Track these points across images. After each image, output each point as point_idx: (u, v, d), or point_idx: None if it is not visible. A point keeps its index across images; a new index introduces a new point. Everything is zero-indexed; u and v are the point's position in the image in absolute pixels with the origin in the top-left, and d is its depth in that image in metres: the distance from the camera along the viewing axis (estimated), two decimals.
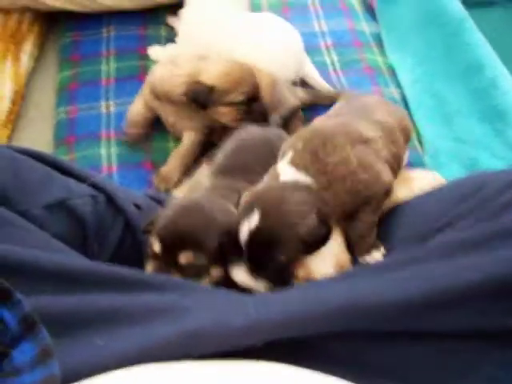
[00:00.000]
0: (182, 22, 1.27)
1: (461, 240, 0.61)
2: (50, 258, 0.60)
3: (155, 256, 0.74)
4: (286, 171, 0.76)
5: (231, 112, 1.03)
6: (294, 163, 0.75)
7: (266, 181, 0.78)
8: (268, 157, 0.86)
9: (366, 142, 0.79)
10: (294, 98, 1.17)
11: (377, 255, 0.77)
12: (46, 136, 1.21)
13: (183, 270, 0.72)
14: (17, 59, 1.26)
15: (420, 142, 1.22)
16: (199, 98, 1.01)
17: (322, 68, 1.31)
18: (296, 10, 1.45)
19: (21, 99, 1.24)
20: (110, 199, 0.83)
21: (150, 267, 0.74)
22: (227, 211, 0.77)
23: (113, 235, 0.80)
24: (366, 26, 1.44)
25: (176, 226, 0.73)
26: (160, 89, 1.09)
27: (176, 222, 0.74)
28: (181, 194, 1.02)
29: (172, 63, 1.10)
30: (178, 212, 0.75)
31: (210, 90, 1.00)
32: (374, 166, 0.77)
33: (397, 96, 1.29)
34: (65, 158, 1.12)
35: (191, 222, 0.74)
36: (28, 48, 1.30)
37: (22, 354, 0.44)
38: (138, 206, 0.88)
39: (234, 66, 1.04)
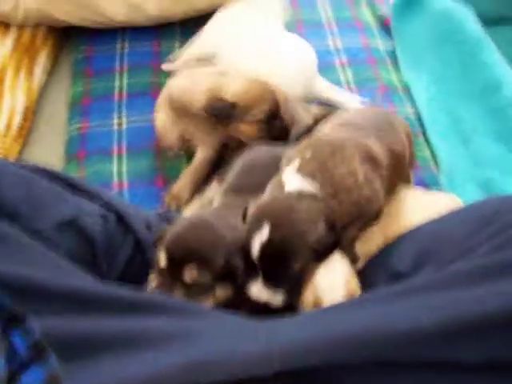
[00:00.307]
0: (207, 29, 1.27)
1: (477, 267, 0.59)
2: (58, 280, 0.59)
3: (160, 271, 0.73)
4: (291, 179, 0.75)
5: (252, 129, 1.02)
6: (301, 171, 0.75)
7: (270, 191, 0.77)
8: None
9: (372, 160, 0.79)
10: (308, 115, 1.16)
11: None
12: (57, 151, 1.20)
13: (187, 287, 0.71)
14: (30, 73, 1.26)
15: (435, 162, 1.20)
16: (221, 113, 1.00)
17: (337, 84, 1.29)
18: (311, 27, 1.44)
19: (32, 114, 1.24)
20: (121, 218, 0.83)
21: (153, 283, 0.73)
22: (236, 229, 0.76)
23: (122, 254, 0.80)
24: (380, 44, 1.42)
25: (183, 241, 0.73)
26: (178, 101, 1.08)
27: (183, 237, 0.73)
28: (191, 211, 1.01)
29: (191, 76, 1.09)
30: (186, 227, 0.74)
31: (233, 106, 1.00)
32: (375, 184, 0.78)
33: (412, 115, 1.27)
34: (75, 173, 1.12)
35: (198, 237, 0.73)
36: (41, 62, 1.30)
37: (31, 378, 0.44)
38: (148, 226, 0.87)
39: (255, 84, 1.03)
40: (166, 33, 1.39)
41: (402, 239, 0.81)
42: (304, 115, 1.14)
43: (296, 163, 0.76)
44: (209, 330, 0.59)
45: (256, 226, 0.71)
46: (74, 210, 0.75)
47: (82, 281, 0.65)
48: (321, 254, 0.72)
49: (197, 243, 0.72)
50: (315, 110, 1.20)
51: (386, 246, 0.82)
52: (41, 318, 0.53)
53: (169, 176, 1.12)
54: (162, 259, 0.72)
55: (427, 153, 1.21)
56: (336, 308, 0.66)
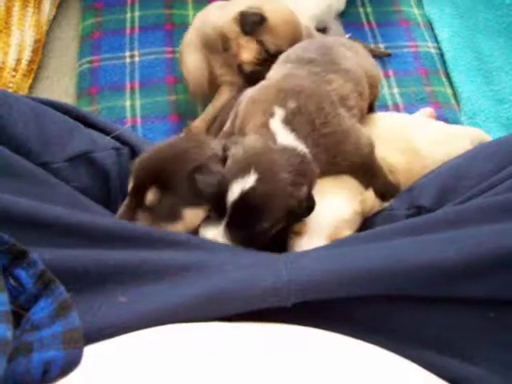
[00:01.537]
0: None
1: (497, 203, 0.58)
2: (72, 215, 0.58)
3: (128, 197, 0.71)
4: (283, 133, 0.72)
5: (253, 50, 0.96)
6: (291, 126, 0.72)
7: (260, 139, 0.73)
8: None
9: (344, 101, 0.78)
10: None
11: None
12: (68, 86, 1.18)
13: (151, 211, 0.69)
14: (38, 7, 1.21)
15: (457, 101, 1.16)
16: (247, 22, 0.94)
17: (356, 20, 1.25)
18: None
19: (42, 48, 1.20)
20: (135, 152, 0.81)
21: (120, 210, 0.71)
22: (210, 150, 0.72)
23: None
24: None
25: (146, 165, 0.70)
26: (212, 32, 1.00)
27: (147, 161, 0.71)
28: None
29: (225, 6, 1.02)
30: (152, 152, 0.72)
31: (261, 19, 0.94)
32: (354, 136, 0.77)
33: (433, 51, 1.22)
34: (87, 109, 1.09)
35: (160, 160, 0.70)
36: None
37: (40, 311, 0.43)
38: None
39: (294, 20, 0.97)
40: None
41: (426, 176, 0.79)
42: None
43: (280, 114, 0.73)
44: (228, 261, 0.58)
45: (241, 171, 0.67)
46: (86, 143, 0.74)
47: (97, 216, 0.65)
48: (293, 218, 0.71)
49: (158, 166, 0.69)
50: None
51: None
52: (52, 249, 0.52)
53: (183, 111, 1.10)
54: (130, 184, 0.71)
55: (449, 90, 1.17)
56: (358, 239, 0.65)
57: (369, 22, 1.26)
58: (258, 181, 0.66)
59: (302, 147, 0.71)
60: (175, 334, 0.48)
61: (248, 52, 0.96)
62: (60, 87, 1.18)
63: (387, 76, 1.18)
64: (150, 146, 0.86)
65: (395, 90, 1.16)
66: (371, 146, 0.79)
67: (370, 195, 0.77)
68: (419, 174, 0.80)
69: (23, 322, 0.42)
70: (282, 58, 0.86)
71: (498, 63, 1.16)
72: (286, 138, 0.71)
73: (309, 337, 0.50)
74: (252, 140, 0.72)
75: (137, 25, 1.22)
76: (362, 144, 0.78)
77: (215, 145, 0.73)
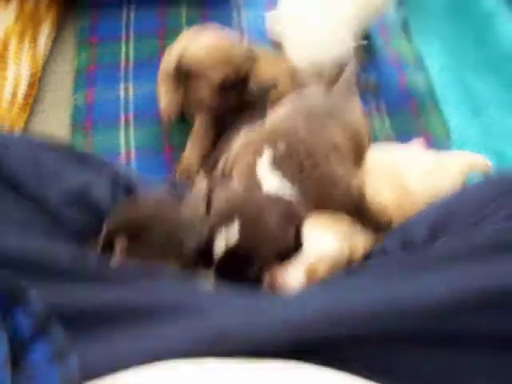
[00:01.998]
0: None
1: (490, 239, 0.58)
2: (69, 254, 0.59)
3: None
4: (269, 176, 0.72)
5: (205, 91, 0.97)
6: (278, 168, 0.72)
7: (245, 185, 0.74)
8: None
9: (337, 148, 0.79)
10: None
11: None
12: (63, 120, 1.18)
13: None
14: (34, 41, 1.23)
15: (447, 133, 1.17)
16: (181, 69, 0.96)
17: None
18: None
19: (38, 82, 1.22)
20: (130, 190, 0.81)
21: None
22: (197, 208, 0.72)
23: None
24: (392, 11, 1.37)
25: (118, 215, 0.70)
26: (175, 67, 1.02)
27: (119, 212, 0.70)
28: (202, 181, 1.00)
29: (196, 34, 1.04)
30: (129, 203, 0.72)
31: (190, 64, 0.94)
32: (343, 181, 0.78)
33: (423, 85, 1.24)
34: (82, 142, 1.10)
35: (132, 212, 0.70)
36: (46, 30, 1.27)
37: (38, 354, 0.43)
38: None
39: (226, 44, 0.98)
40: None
41: (418, 213, 0.78)
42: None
43: (269, 154, 0.73)
44: (219, 304, 0.58)
45: (225, 220, 0.67)
46: (81, 181, 0.74)
47: (92, 256, 0.65)
48: (283, 257, 0.70)
49: (129, 218, 0.69)
50: (327, 70, 1.17)
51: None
52: (46, 290, 0.52)
53: (177, 144, 1.11)
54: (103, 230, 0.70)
55: (439, 124, 1.19)
56: (351, 275, 0.65)
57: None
58: (243, 231, 0.66)
59: (288, 190, 0.71)
60: (174, 371, 0.48)
61: (200, 92, 0.98)
62: (56, 120, 1.19)
63: (380, 109, 1.20)
64: (146, 182, 0.88)
65: (387, 123, 1.18)
66: (361, 193, 0.79)
67: (361, 243, 0.77)
68: (410, 209, 0.80)
69: (21, 364, 0.42)
70: (284, 101, 0.87)
71: (486, 98, 1.18)
72: (272, 181, 0.71)
73: (303, 372, 0.50)
74: (236, 186, 0.73)
75: (131, 58, 1.24)
76: (352, 187, 0.78)
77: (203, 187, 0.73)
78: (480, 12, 1.26)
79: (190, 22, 1.30)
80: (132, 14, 1.32)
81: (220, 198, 0.71)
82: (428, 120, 1.18)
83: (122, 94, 1.18)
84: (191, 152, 1.04)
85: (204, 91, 0.97)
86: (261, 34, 1.30)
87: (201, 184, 0.93)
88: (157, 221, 0.67)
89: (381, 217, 0.81)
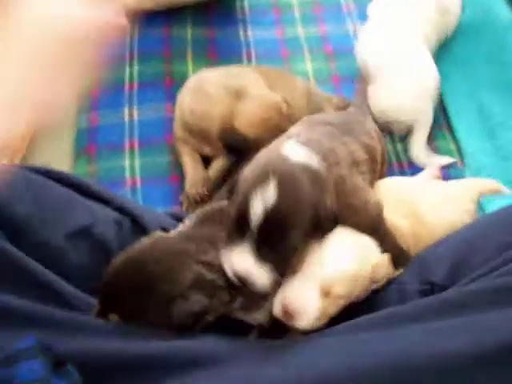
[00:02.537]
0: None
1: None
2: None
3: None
4: (295, 151, 0.68)
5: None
6: (304, 143, 0.69)
7: (272, 151, 0.70)
8: None
9: (356, 164, 0.76)
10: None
11: None
12: (66, 145, 1.15)
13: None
14: None
15: (461, 156, 1.15)
16: (236, 148, 0.90)
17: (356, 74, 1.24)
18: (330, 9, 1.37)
19: None
20: (136, 223, 0.79)
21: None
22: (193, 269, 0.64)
23: None
24: None
25: (110, 286, 0.63)
26: (193, 124, 0.99)
27: (111, 282, 0.64)
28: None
29: (202, 93, 0.98)
30: (118, 267, 0.64)
31: (244, 139, 0.88)
32: (363, 194, 0.75)
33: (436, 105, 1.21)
34: (85, 169, 1.07)
35: (125, 284, 0.63)
36: None
37: None
38: (164, 229, 0.83)
39: (272, 110, 0.91)
40: (177, 18, 1.32)
41: (437, 246, 0.76)
42: None
43: (294, 140, 0.71)
44: (234, 356, 0.57)
45: (259, 181, 0.62)
46: (85, 217, 0.72)
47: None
48: (322, 227, 0.66)
49: (119, 295, 0.62)
50: (335, 100, 1.15)
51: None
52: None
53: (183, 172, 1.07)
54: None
55: (452, 146, 1.16)
56: (369, 323, 0.63)
57: None
58: (280, 189, 0.61)
59: (315, 163, 0.67)
60: None
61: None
62: (58, 146, 1.15)
63: (390, 132, 1.17)
64: (152, 215, 0.85)
65: (399, 147, 1.15)
66: (380, 210, 0.76)
67: (384, 262, 0.74)
68: (426, 239, 0.79)
69: None
70: (301, 121, 0.85)
71: (500, 118, 1.15)
72: (300, 154, 0.67)
73: None
74: (264, 153, 0.69)
75: (136, 80, 1.20)
76: (371, 204, 0.75)
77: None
78: (494, 28, 1.22)
79: (196, 43, 1.27)
80: (136, 33, 1.28)
81: (248, 167, 0.66)
82: (441, 145, 1.15)
83: (126, 118, 1.14)
84: (197, 186, 1.00)
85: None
86: (268, 54, 1.28)
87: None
88: (148, 298, 0.61)
89: (400, 243, 0.79)
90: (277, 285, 0.65)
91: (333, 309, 0.67)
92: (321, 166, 0.68)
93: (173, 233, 0.71)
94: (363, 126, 0.88)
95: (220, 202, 0.77)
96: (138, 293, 0.61)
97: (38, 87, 0.44)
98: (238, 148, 0.89)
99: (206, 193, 0.99)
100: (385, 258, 0.73)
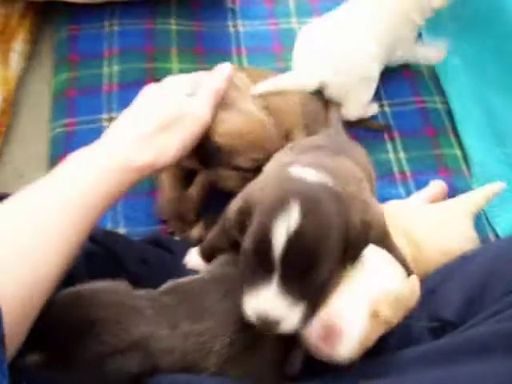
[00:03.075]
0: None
1: None
2: None
3: None
4: (307, 172, 0.61)
5: (234, 177, 0.84)
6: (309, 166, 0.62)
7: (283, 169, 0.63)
8: None
9: (360, 180, 0.71)
10: None
11: None
12: (41, 151, 1.06)
13: None
14: (5, 60, 1.09)
15: (467, 164, 1.07)
16: (207, 155, 0.81)
17: None
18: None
19: (11, 107, 1.09)
20: (111, 256, 0.74)
21: None
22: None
23: None
24: None
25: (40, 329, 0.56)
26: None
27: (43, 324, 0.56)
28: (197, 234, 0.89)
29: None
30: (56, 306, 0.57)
31: (218, 149, 0.80)
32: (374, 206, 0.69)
33: (441, 107, 1.13)
34: None
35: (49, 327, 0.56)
36: (18, 46, 1.13)
37: None
38: (144, 261, 0.76)
39: (255, 126, 0.83)
40: (160, 10, 1.21)
41: (443, 278, 0.71)
42: None
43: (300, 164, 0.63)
44: None
45: (278, 205, 0.54)
46: None
47: None
48: (352, 253, 0.59)
49: (57, 327, 0.55)
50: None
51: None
52: None
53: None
54: None
55: (458, 152, 1.08)
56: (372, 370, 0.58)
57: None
58: (305, 215, 0.53)
59: (331, 182, 0.60)
60: None
61: (229, 181, 0.85)
62: (32, 152, 1.07)
63: (392, 139, 1.08)
64: (130, 245, 0.78)
65: (401, 155, 1.06)
66: (385, 222, 0.70)
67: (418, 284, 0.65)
68: (423, 267, 0.74)
69: None
70: (287, 148, 0.78)
71: (510, 123, 1.07)
72: (312, 175, 0.60)
73: None
74: (271, 177, 0.63)
75: (115, 81, 1.10)
76: (381, 216, 0.70)
77: None
78: (503, 25, 1.12)
79: (182, 39, 1.17)
80: (116, 26, 1.18)
81: (260, 185, 0.60)
82: (446, 152, 1.08)
83: (105, 124, 1.04)
84: (188, 208, 0.92)
85: (232, 178, 0.84)
86: (260, 49, 1.19)
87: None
88: (83, 344, 0.54)
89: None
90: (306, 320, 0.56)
91: (375, 335, 0.58)
92: (337, 185, 0.60)
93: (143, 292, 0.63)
94: (351, 144, 0.83)
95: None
96: (74, 334, 0.54)
97: None
98: (210, 156, 0.81)
99: (180, 210, 0.92)
100: (415, 278, 0.63)
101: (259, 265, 0.55)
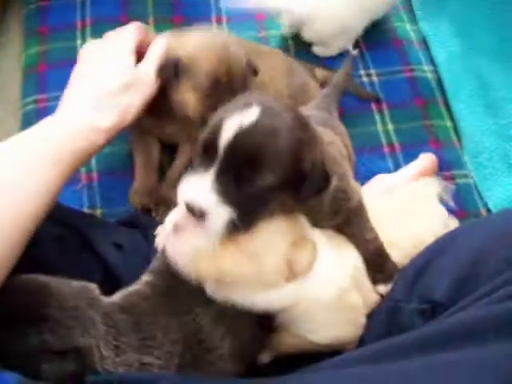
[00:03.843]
0: None
1: None
2: None
3: None
4: None
5: (194, 97, 0.78)
6: None
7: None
8: None
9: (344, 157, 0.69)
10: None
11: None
12: (12, 129, 1.01)
13: None
14: None
15: (458, 136, 1.03)
16: (167, 73, 0.77)
17: None
18: None
19: None
20: (85, 242, 0.72)
21: None
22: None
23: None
24: None
25: None
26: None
27: None
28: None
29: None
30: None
31: (176, 63, 0.77)
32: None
33: (430, 76, 1.08)
34: None
35: None
36: None
37: None
38: (119, 245, 0.73)
39: (211, 42, 0.79)
40: None
41: (434, 257, 0.67)
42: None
43: None
44: None
45: (240, 105, 0.53)
46: None
47: None
48: (303, 196, 0.55)
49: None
50: (319, 73, 1.03)
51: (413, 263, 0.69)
52: None
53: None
54: None
55: (449, 123, 1.04)
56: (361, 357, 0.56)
57: (356, 41, 1.10)
58: (263, 115, 0.51)
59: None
60: None
61: (188, 103, 0.80)
62: (3, 129, 1.02)
63: (380, 109, 1.04)
64: (104, 230, 0.75)
65: (389, 127, 1.02)
66: (360, 196, 0.68)
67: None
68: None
69: None
70: None
71: (503, 92, 1.03)
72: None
73: None
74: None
75: None
76: (356, 189, 0.68)
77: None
78: None
79: (158, 5, 1.12)
80: None
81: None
82: (436, 123, 1.03)
83: None
84: (172, 185, 0.87)
85: (189, 95, 0.79)
86: (241, 18, 1.13)
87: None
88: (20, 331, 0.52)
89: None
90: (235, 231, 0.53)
91: (230, 261, 0.55)
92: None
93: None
94: (338, 121, 0.81)
95: None
96: (21, 321, 0.51)
97: None
98: (169, 74, 0.78)
99: (151, 206, 0.88)
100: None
101: (205, 155, 0.53)
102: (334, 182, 0.58)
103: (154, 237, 0.67)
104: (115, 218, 0.88)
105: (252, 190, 0.51)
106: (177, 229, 0.56)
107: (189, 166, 0.82)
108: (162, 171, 0.93)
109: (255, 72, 0.83)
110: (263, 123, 0.51)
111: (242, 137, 0.50)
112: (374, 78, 1.08)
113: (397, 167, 0.96)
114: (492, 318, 0.51)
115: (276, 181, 0.51)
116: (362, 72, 1.08)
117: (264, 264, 0.56)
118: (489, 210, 0.95)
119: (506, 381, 0.45)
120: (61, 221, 0.70)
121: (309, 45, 1.09)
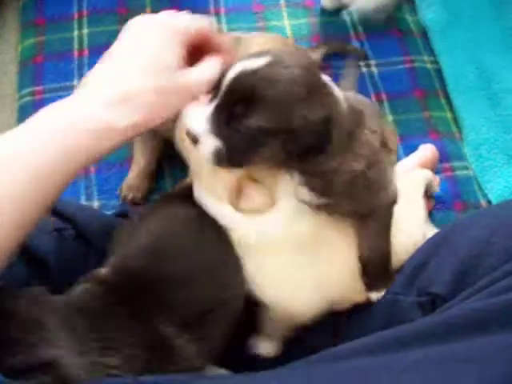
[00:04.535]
0: None
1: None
2: None
3: None
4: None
5: None
6: None
7: None
8: None
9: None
10: None
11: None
12: (9, 121, 1.01)
13: None
14: None
15: (458, 127, 1.02)
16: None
17: (341, 31, 1.10)
18: None
19: None
20: (80, 233, 0.71)
21: None
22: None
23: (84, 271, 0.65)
24: None
25: None
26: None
27: None
28: None
29: None
30: None
31: None
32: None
33: (430, 67, 1.08)
34: None
35: None
36: None
37: None
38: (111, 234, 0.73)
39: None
40: None
41: (434, 250, 0.67)
42: None
43: None
44: None
45: (254, 55, 0.55)
46: None
47: None
48: (298, 158, 0.56)
49: None
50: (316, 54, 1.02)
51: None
52: None
53: None
54: None
55: (449, 115, 1.04)
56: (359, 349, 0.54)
57: (356, 33, 1.10)
58: (269, 64, 0.54)
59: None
60: None
61: None
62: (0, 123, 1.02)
63: (379, 100, 1.04)
64: (99, 220, 0.74)
65: (389, 118, 1.02)
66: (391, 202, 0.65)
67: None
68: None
69: None
70: None
71: (505, 83, 1.02)
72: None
73: None
74: None
75: (86, 45, 1.05)
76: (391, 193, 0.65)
77: None
78: None
79: None
80: None
81: None
82: (435, 114, 1.03)
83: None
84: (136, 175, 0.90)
85: None
86: (239, 9, 1.12)
87: None
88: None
89: None
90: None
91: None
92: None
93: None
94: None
95: None
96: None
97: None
98: None
99: (140, 202, 0.89)
100: None
101: (214, 91, 0.56)
102: (360, 166, 0.58)
103: None
104: (113, 210, 0.87)
105: (239, 127, 0.54)
106: None
107: None
108: (162, 171, 0.93)
109: None
110: (264, 71, 0.53)
111: (240, 78, 0.53)
112: (374, 69, 1.07)
113: (397, 159, 0.96)
114: (496, 309, 0.50)
115: (262, 124, 0.53)
116: (362, 62, 1.07)
117: (219, 174, 0.60)
118: (489, 202, 0.94)
119: (510, 371, 0.45)
120: (58, 213, 0.69)
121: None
